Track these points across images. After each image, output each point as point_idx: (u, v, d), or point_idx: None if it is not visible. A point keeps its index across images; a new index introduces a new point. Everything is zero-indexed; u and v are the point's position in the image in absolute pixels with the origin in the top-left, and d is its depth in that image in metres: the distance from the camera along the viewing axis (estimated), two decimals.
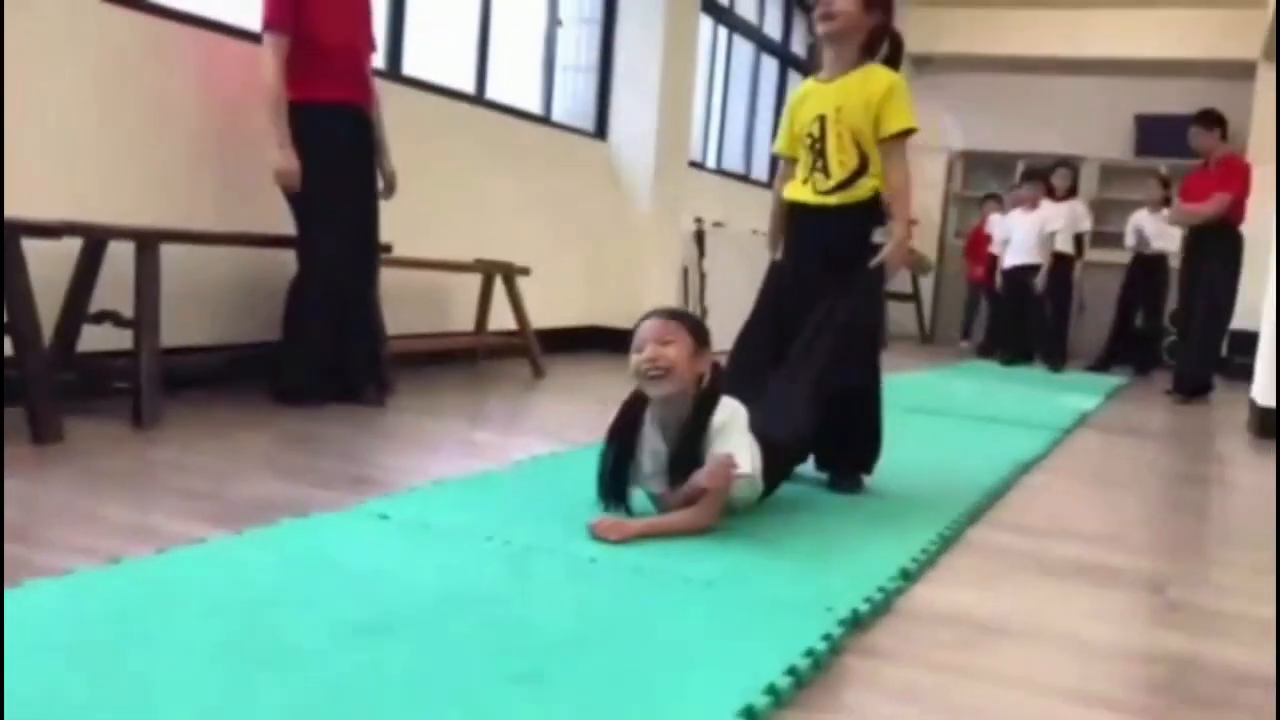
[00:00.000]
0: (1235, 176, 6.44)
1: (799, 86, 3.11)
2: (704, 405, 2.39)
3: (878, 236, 2.88)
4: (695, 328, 2.45)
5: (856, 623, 1.89)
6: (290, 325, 3.75)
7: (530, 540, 2.20)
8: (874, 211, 2.90)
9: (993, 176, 11.10)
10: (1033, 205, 8.17)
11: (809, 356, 2.83)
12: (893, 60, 2.95)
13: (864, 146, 2.87)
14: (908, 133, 2.85)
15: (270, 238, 3.82)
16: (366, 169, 3.87)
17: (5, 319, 2.88)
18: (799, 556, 2.28)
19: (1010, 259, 8.22)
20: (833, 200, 2.90)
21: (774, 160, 9.78)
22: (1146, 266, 8.26)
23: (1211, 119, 6.55)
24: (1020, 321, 8.25)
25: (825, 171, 2.91)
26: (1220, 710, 1.68)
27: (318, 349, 3.73)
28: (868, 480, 3.01)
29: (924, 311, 10.95)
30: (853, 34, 2.87)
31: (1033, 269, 8.08)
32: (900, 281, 10.03)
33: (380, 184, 3.98)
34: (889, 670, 1.74)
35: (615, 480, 2.43)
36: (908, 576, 2.20)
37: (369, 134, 3.87)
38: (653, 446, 2.43)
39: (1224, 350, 7.52)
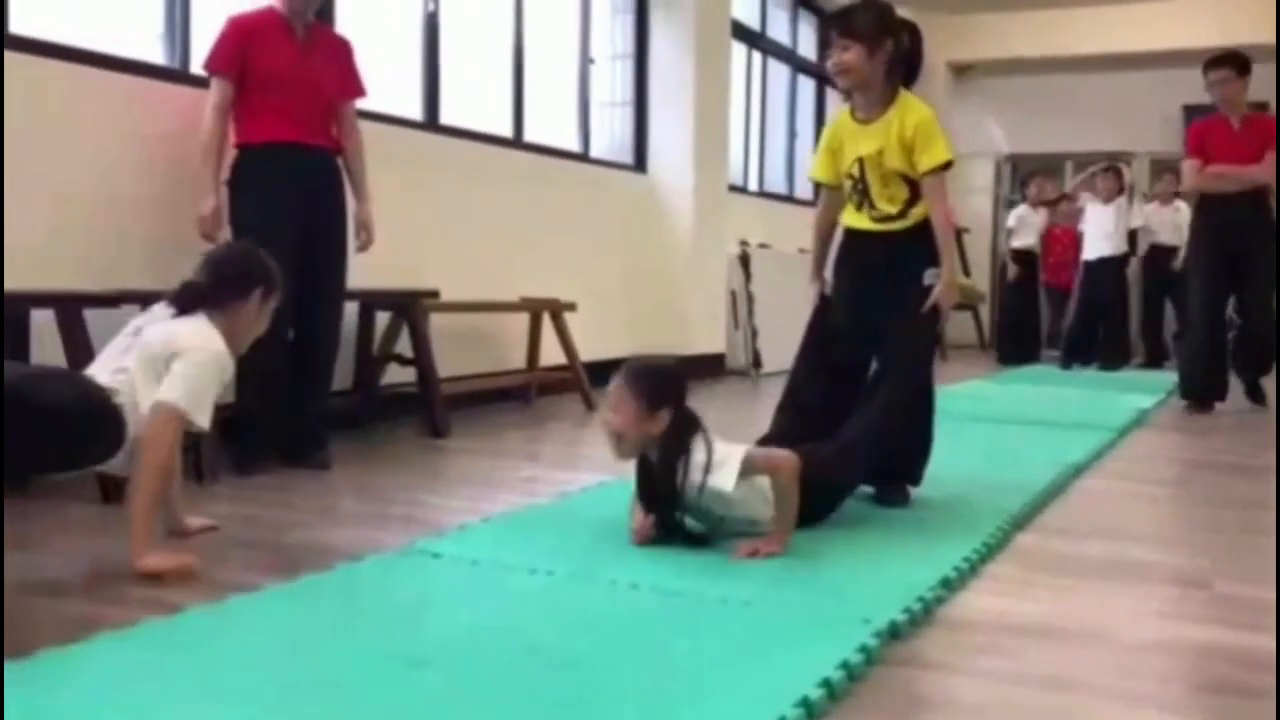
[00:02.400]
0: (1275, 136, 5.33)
1: (836, 116, 3.10)
2: (667, 451, 2.40)
3: (927, 279, 2.90)
4: (648, 389, 2.41)
5: (895, 633, 1.92)
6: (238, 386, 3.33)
7: (573, 570, 2.26)
8: (931, 236, 2.92)
9: (1045, 179, 10.99)
10: (1109, 198, 8.09)
11: (869, 407, 2.88)
12: (915, 55, 2.96)
13: (913, 178, 2.91)
14: (945, 166, 2.88)
15: None
16: (315, 212, 3.57)
17: None
18: (839, 570, 2.31)
19: (1092, 251, 8.14)
20: (893, 226, 2.95)
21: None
22: (1161, 260, 8.26)
23: (1245, 64, 5.37)
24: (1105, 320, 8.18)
25: (873, 207, 2.97)
26: (1268, 702, 1.68)
27: (260, 408, 3.49)
28: (914, 491, 3.03)
29: (982, 320, 10.86)
30: (870, 78, 2.90)
31: (1113, 260, 8.04)
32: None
33: (351, 230, 3.72)
34: (927, 678, 1.77)
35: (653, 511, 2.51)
36: (949, 585, 2.22)
37: (325, 177, 3.63)
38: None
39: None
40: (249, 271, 2.58)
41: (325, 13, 4.33)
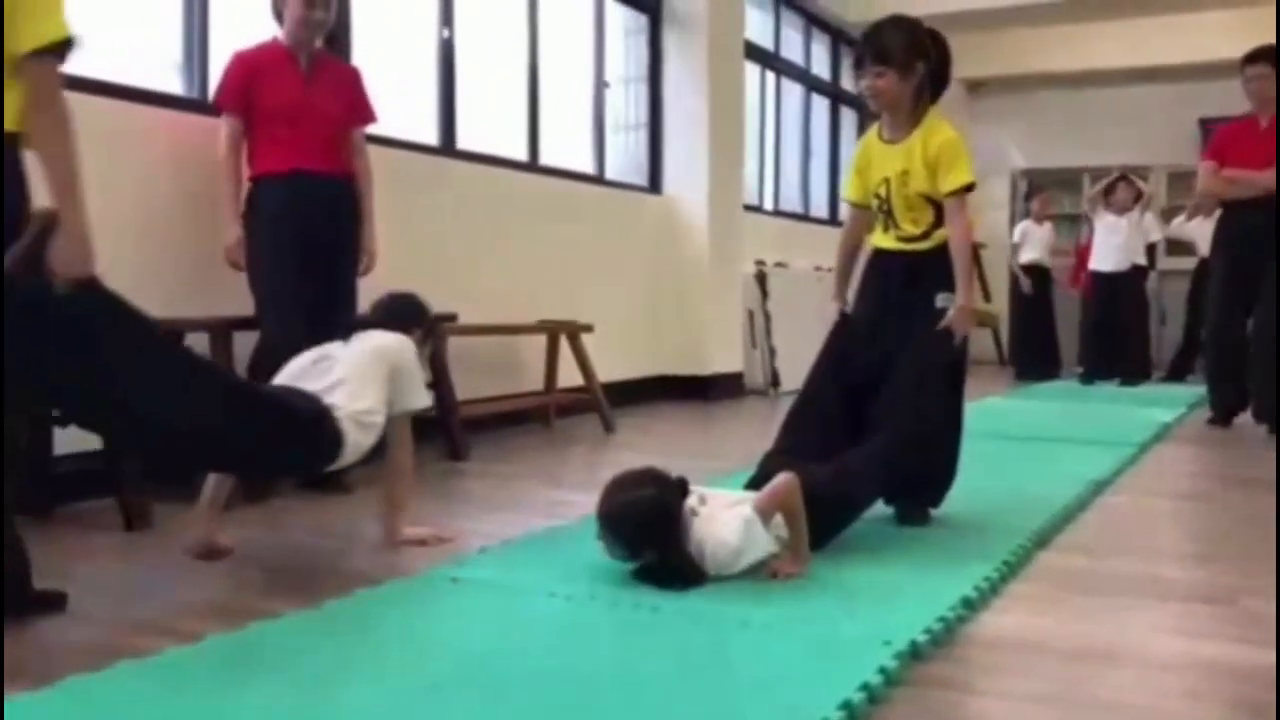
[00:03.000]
0: None
1: (866, 135, 3.11)
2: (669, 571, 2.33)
3: (939, 302, 2.90)
4: (632, 539, 2.35)
5: (916, 654, 1.91)
6: None
7: (594, 593, 2.26)
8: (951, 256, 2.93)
9: (1063, 194, 10.98)
10: (1122, 209, 7.99)
11: (884, 429, 2.83)
12: (943, 67, 2.97)
13: (938, 200, 2.91)
14: (967, 188, 2.87)
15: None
16: (325, 239, 3.60)
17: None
18: (860, 591, 2.30)
19: (1101, 263, 8.04)
20: (916, 247, 2.95)
21: (833, 198, 9.81)
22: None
23: (1276, 56, 5.08)
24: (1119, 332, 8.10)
25: (898, 228, 2.98)
26: None
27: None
28: (934, 511, 3.02)
29: (1001, 337, 10.82)
30: (902, 100, 2.90)
31: (1124, 275, 7.95)
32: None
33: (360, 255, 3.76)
34: (949, 699, 1.76)
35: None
36: (970, 605, 2.21)
37: (333, 204, 3.66)
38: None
39: None
40: (409, 313, 2.96)
41: (341, 41, 4.39)
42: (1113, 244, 7.98)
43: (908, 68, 2.85)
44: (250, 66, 3.58)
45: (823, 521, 2.54)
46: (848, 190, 3.12)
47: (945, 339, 2.88)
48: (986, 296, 10.39)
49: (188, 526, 2.73)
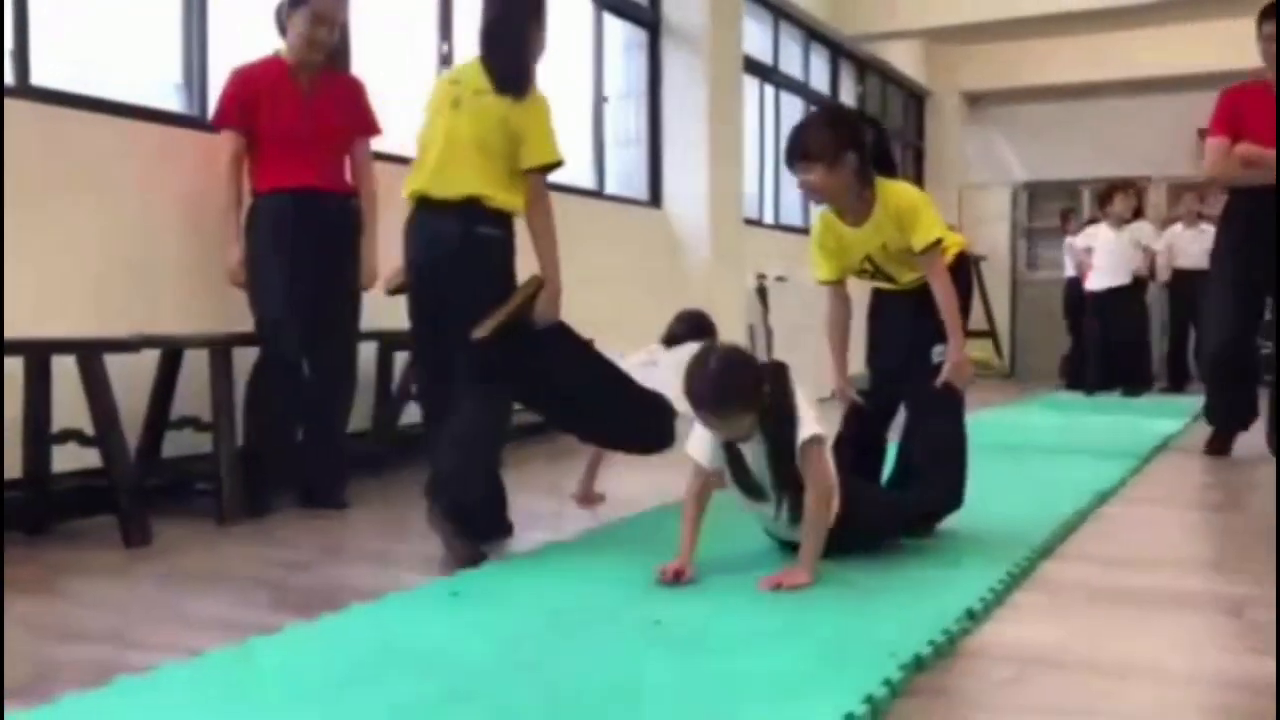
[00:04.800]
0: None
1: (823, 216, 3.00)
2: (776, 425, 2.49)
3: (935, 357, 2.91)
4: (734, 399, 2.49)
5: (920, 665, 1.90)
6: (246, 424, 3.53)
7: (596, 606, 2.25)
8: (960, 273, 3.01)
9: (1063, 205, 11.00)
10: (1120, 221, 7.86)
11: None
12: (881, 147, 2.96)
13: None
14: (937, 243, 2.86)
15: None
16: (324, 256, 3.56)
17: (95, 433, 3.03)
18: (865, 603, 2.28)
19: (1099, 281, 7.97)
20: (919, 284, 2.96)
21: None
22: (1185, 284, 8.20)
23: None
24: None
25: (896, 281, 3.02)
26: None
27: (265, 446, 3.51)
28: (938, 524, 3.00)
29: (1001, 346, 10.81)
30: (841, 191, 2.86)
31: (1123, 290, 7.90)
32: (978, 320, 9.89)
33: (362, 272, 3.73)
34: (953, 712, 1.75)
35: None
36: (974, 616, 2.19)
37: (334, 220, 3.62)
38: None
39: None
40: (709, 325, 3.55)
41: (340, 55, 4.38)
42: (1111, 260, 7.90)
43: (835, 159, 2.79)
44: (249, 84, 3.54)
45: (859, 540, 2.64)
46: (821, 271, 3.06)
47: (947, 392, 2.92)
48: (988, 312, 10.36)
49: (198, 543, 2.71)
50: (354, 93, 3.78)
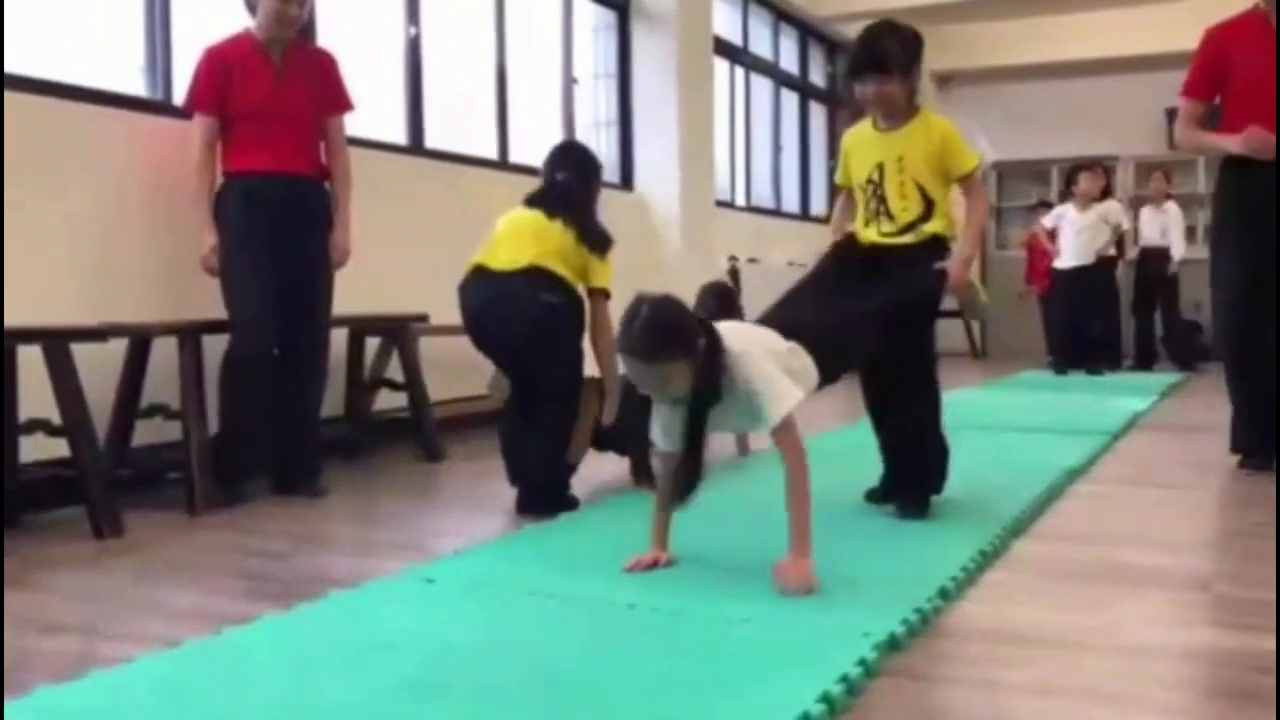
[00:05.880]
0: None
1: (856, 127, 3.12)
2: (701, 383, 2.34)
3: (939, 266, 2.95)
4: (666, 347, 2.34)
5: (894, 645, 1.91)
6: (219, 412, 3.52)
7: (571, 591, 2.25)
8: (940, 252, 2.99)
9: (1032, 185, 11.06)
10: (1087, 200, 7.86)
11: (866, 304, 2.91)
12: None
13: (928, 192, 2.94)
14: (975, 169, 2.98)
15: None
16: (295, 240, 3.53)
17: (63, 423, 3.00)
18: (839, 584, 2.29)
19: (1066, 260, 7.98)
20: (904, 240, 2.96)
21: (804, 192, 9.84)
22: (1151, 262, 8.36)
23: None
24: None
25: (888, 215, 2.98)
26: (1271, 705, 1.67)
27: (238, 433, 3.47)
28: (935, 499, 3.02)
29: (973, 327, 10.86)
30: (902, 102, 2.96)
31: (1088, 269, 7.91)
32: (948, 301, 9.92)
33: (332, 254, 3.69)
34: (928, 691, 1.76)
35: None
36: (946, 595, 2.21)
37: (306, 204, 3.59)
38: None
39: None
40: (732, 300, 3.80)
41: (306, 38, 4.33)
42: (1078, 240, 7.89)
43: (908, 70, 2.92)
44: (221, 64, 3.47)
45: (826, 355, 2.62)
46: (841, 176, 3.15)
47: (935, 274, 2.91)
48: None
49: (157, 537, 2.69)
50: (327, 67, 3.72)
